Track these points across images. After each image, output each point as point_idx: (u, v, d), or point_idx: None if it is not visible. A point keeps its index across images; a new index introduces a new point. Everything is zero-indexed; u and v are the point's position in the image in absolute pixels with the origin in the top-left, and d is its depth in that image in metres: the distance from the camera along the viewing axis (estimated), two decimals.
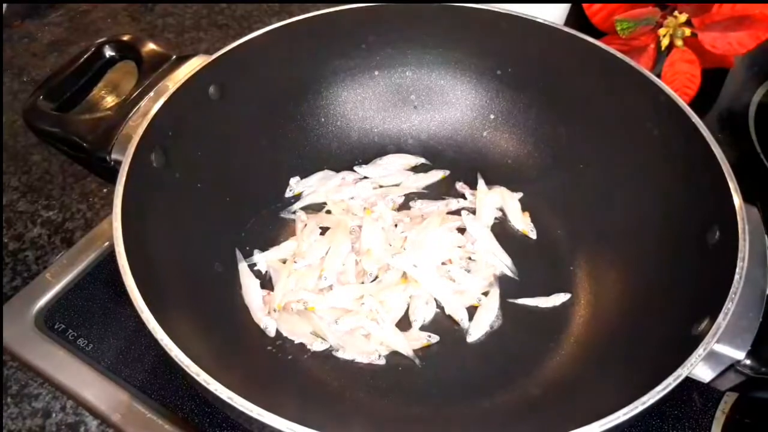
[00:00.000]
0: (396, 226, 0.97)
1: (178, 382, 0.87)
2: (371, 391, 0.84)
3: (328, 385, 0.84)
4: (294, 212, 1.01)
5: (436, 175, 1.06)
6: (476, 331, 0.89)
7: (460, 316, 0.90)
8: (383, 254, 0.93)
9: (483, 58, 1.04)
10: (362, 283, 0.92)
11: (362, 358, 0.86)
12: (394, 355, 0.87)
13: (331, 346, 0.87)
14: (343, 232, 0.95)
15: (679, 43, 1.18)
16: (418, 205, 1.01)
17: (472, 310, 0.91)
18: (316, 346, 0.87)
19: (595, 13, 1.23)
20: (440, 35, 1.04)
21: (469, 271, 0.94)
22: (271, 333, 0.88)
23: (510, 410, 0.81)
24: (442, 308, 0.91)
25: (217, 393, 0.61)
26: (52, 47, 1.42)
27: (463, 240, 0.97)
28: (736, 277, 0.69)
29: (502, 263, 0.95)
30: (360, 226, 0.97)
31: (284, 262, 0.94)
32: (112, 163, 0.88)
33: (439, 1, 0.99)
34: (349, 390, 0.84)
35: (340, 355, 0.86)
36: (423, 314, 0.90)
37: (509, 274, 0.95)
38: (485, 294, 0.92)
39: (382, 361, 0.86)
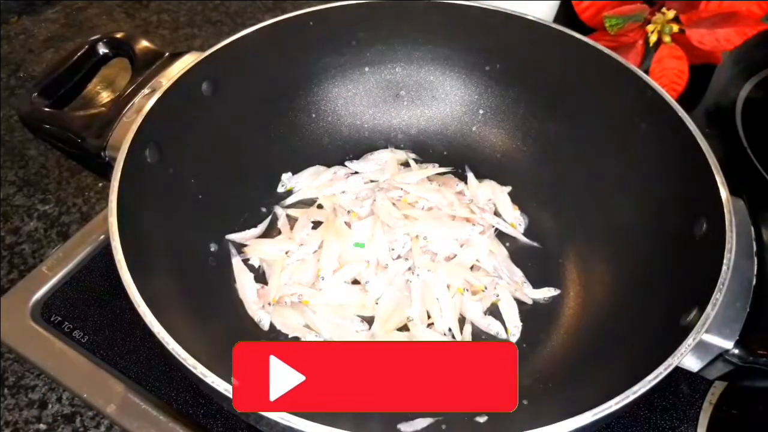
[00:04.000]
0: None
1: (173, 373, 0.87)
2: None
3: None
4: (287, 206, 1.01)
5: (430, 170, 1.05)
6: (516, 329, 0.89)
7: (495, 329, 0.88)
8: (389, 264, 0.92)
9: (472, 54, 1.04)
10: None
11: None
12: None
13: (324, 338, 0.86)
14: (336, 226, 0.94)
15: (667, 39, 1.18)
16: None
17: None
18: (309, 339, 0.86)
19: (584, 9, 1.23)
20: (430, 32, 1.03)
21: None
22: (265, 327, 0.87)
23: None
24: None
25: (215, 385, 0.61)
26: (48, 43, 1.42)
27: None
28: (724, 268, 0.69)
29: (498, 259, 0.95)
30: (348, 222, 0.96)
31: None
32: (107, 158, 0.88)
33: None
34: None
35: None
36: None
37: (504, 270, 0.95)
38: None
39: None
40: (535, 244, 0.97)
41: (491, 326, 0.88)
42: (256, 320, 0.88)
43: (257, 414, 0.60)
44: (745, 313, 0.72)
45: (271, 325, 0.88)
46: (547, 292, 0.92)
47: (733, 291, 0.71)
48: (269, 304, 0.88)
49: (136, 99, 0.91)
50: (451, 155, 1.07)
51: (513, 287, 0.92)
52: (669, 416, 0.84)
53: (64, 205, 1.11)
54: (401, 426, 0.77)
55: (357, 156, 1.06)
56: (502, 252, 0.96)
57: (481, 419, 0.78)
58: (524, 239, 0.98)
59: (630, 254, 0.87)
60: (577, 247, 0.95)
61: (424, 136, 1.09)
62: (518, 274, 0.94)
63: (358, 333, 0.87)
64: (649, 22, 1.19)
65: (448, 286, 0.89)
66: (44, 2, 1.52)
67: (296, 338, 0.87)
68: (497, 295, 0.90)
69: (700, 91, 1.26)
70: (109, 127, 0.88)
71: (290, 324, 0.87)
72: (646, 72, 0.94)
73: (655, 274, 0.82)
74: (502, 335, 0.88)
